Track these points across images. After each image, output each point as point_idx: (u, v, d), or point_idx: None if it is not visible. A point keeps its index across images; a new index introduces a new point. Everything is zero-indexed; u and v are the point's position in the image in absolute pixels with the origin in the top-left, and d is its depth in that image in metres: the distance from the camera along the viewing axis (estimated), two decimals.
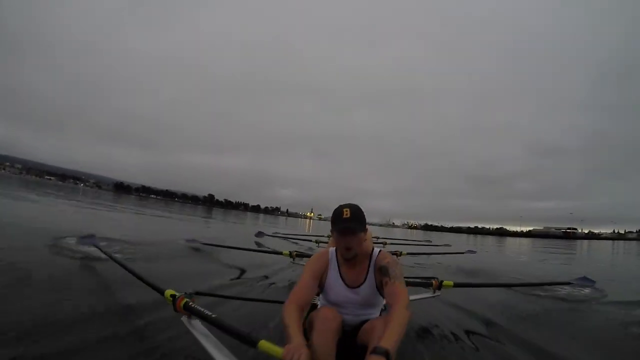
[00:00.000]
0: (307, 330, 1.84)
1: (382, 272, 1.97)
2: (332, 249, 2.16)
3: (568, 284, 5.21)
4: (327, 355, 1.67)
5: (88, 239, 5.48)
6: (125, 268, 3.49)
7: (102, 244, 5.49)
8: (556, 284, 5.37)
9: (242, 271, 6.09)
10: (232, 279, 5.35)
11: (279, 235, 13.94)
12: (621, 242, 62.14)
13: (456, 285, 3.90)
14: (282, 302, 3.08)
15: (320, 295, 2.21)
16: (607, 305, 4.91)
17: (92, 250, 5.13)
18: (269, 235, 12.86)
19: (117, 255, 4.48)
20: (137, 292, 3.35)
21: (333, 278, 2.07)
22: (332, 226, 1.99)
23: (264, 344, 1.57)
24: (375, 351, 1.40)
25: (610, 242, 60.89)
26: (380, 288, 1.99)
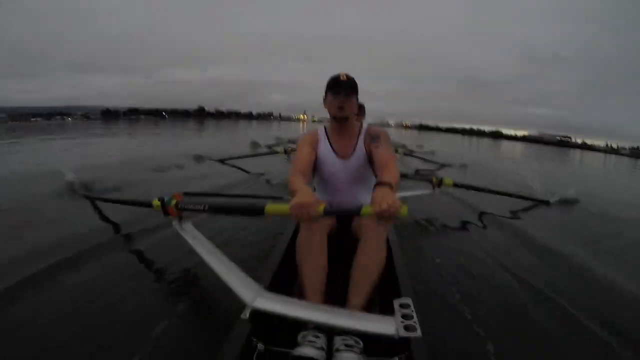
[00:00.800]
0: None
1: (372, 138, 1.97)
2: (321, 127, 2.16)
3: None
4: (319, 250, 1.64)
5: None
6: (110, 200, 3.54)
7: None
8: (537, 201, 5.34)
9: (238, 175, 6.26)
10: (226, 183, 5.37)
11: (272, 144, 13.46)
12: (613, 156, 61.67)
13: (455, 185, 4.06)
14: (278, 198, 3.19)
15: (316, 181, 2.18)
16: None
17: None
18: (264, 146, 12.31)
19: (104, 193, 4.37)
20: (130, 215, 3.40)
21: (324, 149, 2.07)
22: (326, 89, 1.96)
23: (271, 207, 1.58)
24: (380, 184, 1.49)
25: (603, 155, 60.60)
26: (370, 158, 1.97)
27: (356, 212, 1.41)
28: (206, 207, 1.95)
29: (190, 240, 2.00)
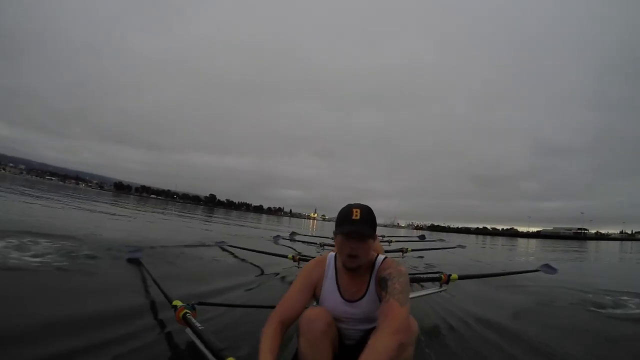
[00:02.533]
0: (297, 338, 1.69)
1: (381, 284, 1.69)
2: (332, 254, 1.90)
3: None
4: None
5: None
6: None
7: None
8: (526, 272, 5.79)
9: (249, 275, 5.90)
10: (237, 284, 5.02)
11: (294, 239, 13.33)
12: (629, 242, 62.15)
13: (460, 277, 3.99)
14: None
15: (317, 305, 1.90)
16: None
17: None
18: (285, 239, 12.15)
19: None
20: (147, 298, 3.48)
21: (329, 289, 1.81)
22: (336, 228, 1.69)
23: None
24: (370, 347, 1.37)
25: (618, 242, 62.31)
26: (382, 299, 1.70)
27: None
28: (199, 329, 1.99)
29: (202, 349, 1.86)
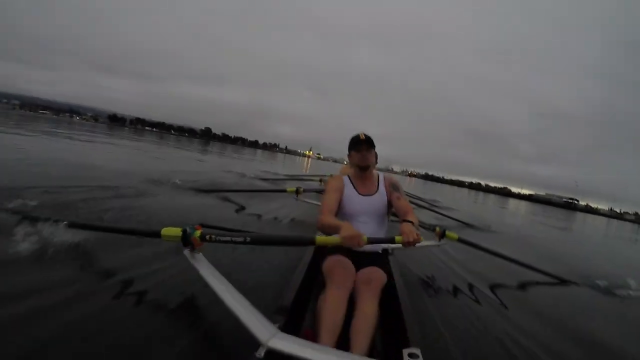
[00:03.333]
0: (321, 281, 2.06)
1: (393, 187, 2.50)
2: (345, 176, 2.56)
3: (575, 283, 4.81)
4: (343, 305, 1.79)
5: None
6: (112, 230, 2.89)
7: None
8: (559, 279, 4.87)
9: (245, 210, 6.07)
10: (235, 218, 5.33)
11: (282, 177, 13.52)
12: (616, 221, 61.57)
13: (460, 240, 3.92)
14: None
15: (338, 215, 2.38)
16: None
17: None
18: (272, 179, 12.10)
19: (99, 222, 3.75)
20: (131, 247, 3.07)
21: (349, 191, 2.45)
22: (349, 148, 2.48)
23: (321, 239, 1.88)
24: (406, 221, 2.08)
25: (606, 219, 61.14)
26: (389, 200, 2.46)
27: (391, 241, 2.01)
28: (247, 239, 1.95)
29: (204, 274, 1.92)
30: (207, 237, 2.04)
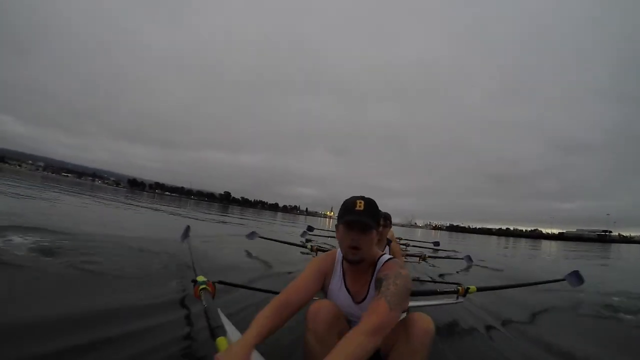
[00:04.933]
0: (305, 328, 1.67)
1: (376, 284, 1.64)
2: (339, 253, 1.85)
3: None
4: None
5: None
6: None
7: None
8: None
9: (269, 264, 6.18)
10: (258, 272, 5.29)
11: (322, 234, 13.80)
12: None
13: (479, 289, 3.91)
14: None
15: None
16: None
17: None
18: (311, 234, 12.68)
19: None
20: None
21: (336, 285, 1.81)
22: (338, 219, 1.73)
23: (221, 341, 1.58)
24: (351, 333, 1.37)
25: None
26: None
27: None
28: (212, 307, 2.03)
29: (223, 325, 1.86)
30: (203, 293, 2.28)
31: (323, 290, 1.84)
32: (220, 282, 2.74)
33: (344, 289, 1.79)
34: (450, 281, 5.11)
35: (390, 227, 4.25)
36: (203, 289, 2.34)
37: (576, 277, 5.21)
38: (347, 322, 1.76)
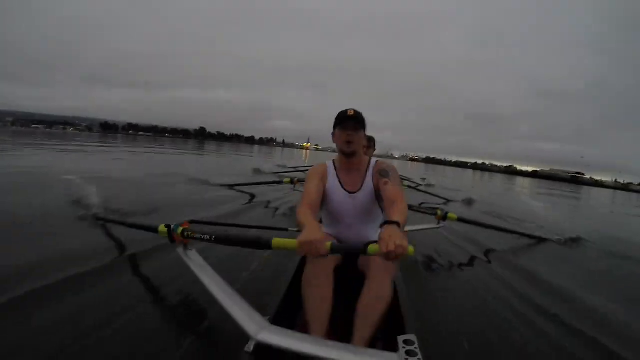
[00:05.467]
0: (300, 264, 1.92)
1: (380, 174, 2.00)
2: (330, 161, 2.20)
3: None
4: (324, 285, 1.66)
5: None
6: (117, 222, 3.54)
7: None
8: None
9: (243, 203, 6.15)
10: (232, 211, 5.34)
11: (278, 171, 13.10)
12: (621, 192, 60.66)
13: (460, 219, 3.99)
14: (285, 229, 3.19)
15: (323, 215, 2.23)
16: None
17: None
18: (267, 173, 12.08)
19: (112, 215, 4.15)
20: (132, 238, 3.32)
21: (332, 183, 2.09)
22: (335, 124, 2.03)
23: (277, 241, 1.59)
24: (387, 222, 1.48)
25: (611, 191, 59.21)
26: (378, 194, 2.01)
27: (363, 251, 1.44)
28: (212, 238, 1.92)
29: (195, 269, 1.95)
30: (187, 234, 2.08)
31: (323, 197, 2.07)
32: (194, 221, 2.54)
33: (339, 184, 2.08)
34: (430, 208, 5.05)
35: (374, 149, 4.36)
36: (183, 230, 2.13)
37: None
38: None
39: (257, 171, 12.32)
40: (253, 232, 3.14)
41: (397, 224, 1.47)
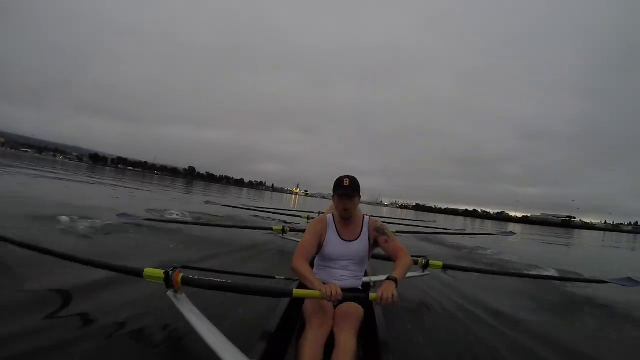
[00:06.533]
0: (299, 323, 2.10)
1: (379, 232, 2.42)
2: (330, 215, 2.52)
3: (604, 282, 4.69)
4: (318, 350, 1.79)
5: None
6: (93, 264, 2.78)
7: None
8: (585, 281, 5.30)
9: (229, 249, 6.05)
10: (219, 257, 5.24)
11: (265, 209, 13.32)
12: (612, 233, 62.25)
13: (445, 267, 3.93)
14: (273, 277, 3.32)
15: (317, 258, 2.47)
16: None
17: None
18: (253, 209, 12.52)
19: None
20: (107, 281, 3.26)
21: (332, 234, 2.40)
22: (333, 192, 2.37)
23: (299, 292, 1.89)
24: (388, 278, 1.96)
25: (602, 233, 60.64)
26: (372, 244, 2.42)
27: (366, 296, 1.95)
28: (215, 285, 2.05)
29: (183, 311, 2.00)
30: (188, 280, 2.12)
31: (319, 245, 2.39)
32: (186, 267, 2.51)
33: (337, 235, 2.39)
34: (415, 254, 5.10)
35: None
36: (183, 276, 2.13)
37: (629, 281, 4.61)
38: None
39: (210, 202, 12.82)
40: (241, 280, 3.10)
41: (395, 281, 1.94)
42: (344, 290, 1.84)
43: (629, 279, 4.51)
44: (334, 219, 2.47)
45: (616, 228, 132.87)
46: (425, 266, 3.80)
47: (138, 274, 2.25)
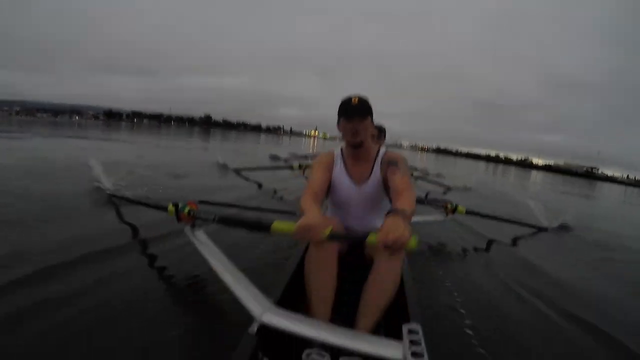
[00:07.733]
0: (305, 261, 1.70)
1: (389, 163, 1.94)
2: (338, 149, 2.13)
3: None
4: (328, 269, 1.60)
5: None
6: (130, 200, 3.63)
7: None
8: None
9: (253, 186, 6.45)
10: (242, 195, 5.43)
11: (288, 157, 13.74)
12: (632, 188, 59.55)
13: (468, 212, 4.11)
14: (290, 212, 3.64)
15: (328, 199, 2.16)
16: None
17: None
18: (282, 159, 12.70)
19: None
20: (143, 216, 3.44)
21: (339, 173, 2.05)
22: (339, 114, 1.92)
23: (277, 225, 1.65)
24: (392, 212, 1.44)
25: (624, 188, 57.99)
26: (385, 184, 1.94)
27: (362, 239, 1.47)
28: (216, 218, 2.03)
29: (201, 249, 2.02)
30: (192, 213, 2.20)
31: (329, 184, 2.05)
32: (202, 202, 2.70)
33: (346, 175, 2.01)
34: (439, 201, 5.22)
35: (385, 139, 4.30)
36: (189, 210, 2.21)
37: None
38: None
39: (275, 157, 12.95)
40: (256, 215, 3.07)
41: (402, 214, 1.42)
42: (336, 233, 1.52)
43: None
44: (342, 153, 2.08)
45: (638, 183, 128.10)
46: (453, 211, 3.95)
47: (165, 208, 2.35)
